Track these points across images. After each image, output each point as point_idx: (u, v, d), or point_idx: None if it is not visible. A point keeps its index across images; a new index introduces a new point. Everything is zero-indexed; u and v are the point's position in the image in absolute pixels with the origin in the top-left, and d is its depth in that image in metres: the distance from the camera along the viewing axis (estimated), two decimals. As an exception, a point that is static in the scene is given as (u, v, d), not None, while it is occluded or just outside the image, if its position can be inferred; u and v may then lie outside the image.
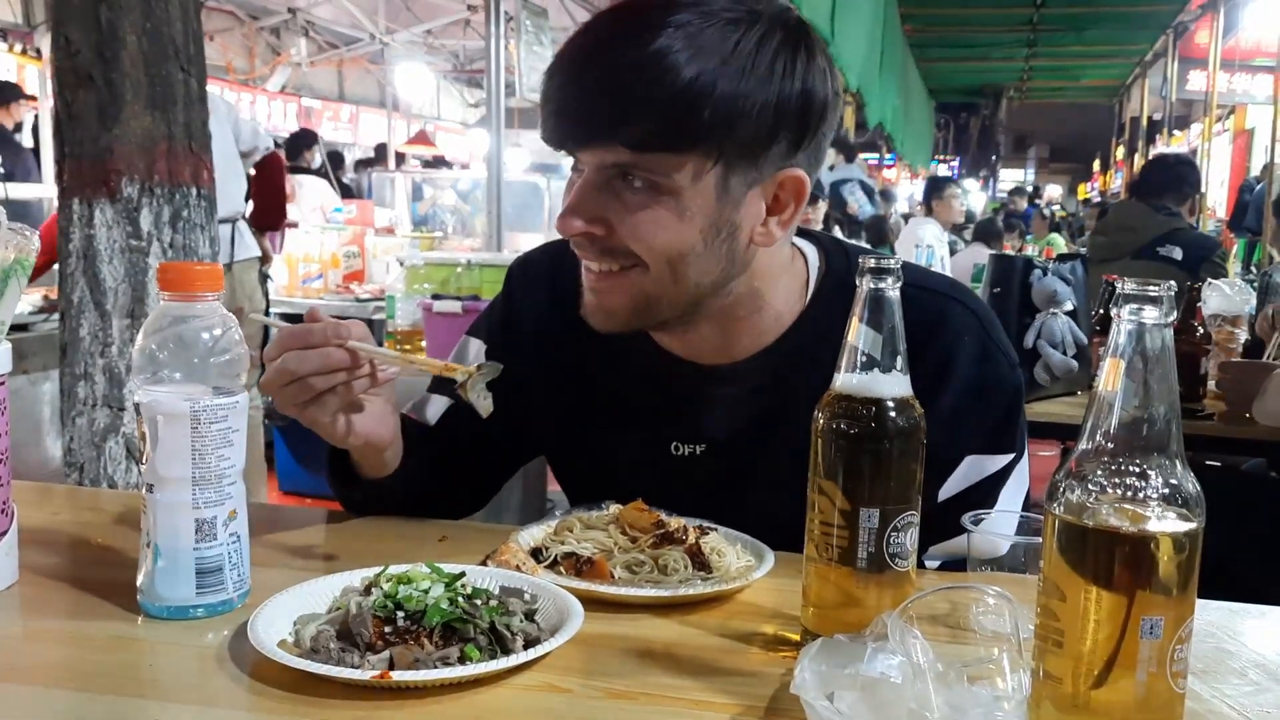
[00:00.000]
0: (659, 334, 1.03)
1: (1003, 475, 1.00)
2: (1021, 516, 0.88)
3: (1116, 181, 15.75)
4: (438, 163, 10.24)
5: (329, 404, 0.92)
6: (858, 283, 0.74)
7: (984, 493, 0.99)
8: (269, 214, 3.80)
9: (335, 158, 9.39)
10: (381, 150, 9.99)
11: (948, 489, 0.99)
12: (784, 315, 1.01)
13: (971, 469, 0.99)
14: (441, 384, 1.12)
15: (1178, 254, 3.51)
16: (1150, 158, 6.78)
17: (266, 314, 3.57)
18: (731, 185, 0.90)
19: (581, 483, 1.12)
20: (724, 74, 0.85)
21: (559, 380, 1.08)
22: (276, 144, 4.12)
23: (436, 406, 1.12)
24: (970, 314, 1.02)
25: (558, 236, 0.98)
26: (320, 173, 7.46)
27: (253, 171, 3.69)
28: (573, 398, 1.08)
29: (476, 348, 1.14)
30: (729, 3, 0.88)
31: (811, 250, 1.04)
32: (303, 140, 7.75)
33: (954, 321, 1.00)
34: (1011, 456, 1.01)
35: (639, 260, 0.91)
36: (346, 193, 7.82)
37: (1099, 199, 15.48)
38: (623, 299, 0.94)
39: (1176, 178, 3.72)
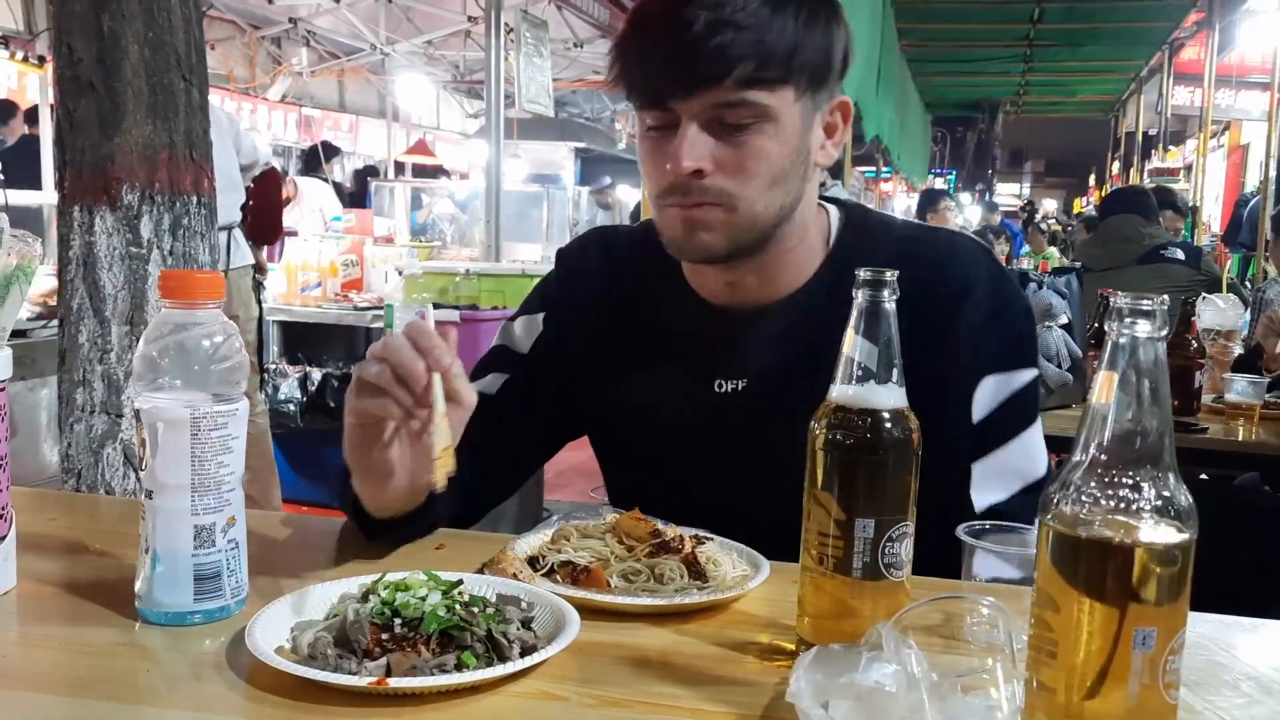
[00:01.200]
0: (705, 284, 1.11)
1: (1031, 392, 1.05)
2: (1018, 528, 0.88)
3: (1113, 196, 15.74)
4: (437, 172, 10.29)
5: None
6: (854, 295, 0.74)
7: (1019, 410, 1.04)
8: (265, 229, 3.87)
9: (371, 171, 9.60)
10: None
11: (979, 410, 1.04)
12: (814, 255, 1.10)
13: (998, 388, 1.04)
14: (497, 362, 1.19)
15: (1180, 255, 3.83)
16: (1111, 190, 7.34)
17: (260, 320, 3.63)
18: (811, 111, 1.02)
19: (627, 439, 1.17)
20: (798, 18, 0.97)
21: (612, 337, 1.15)
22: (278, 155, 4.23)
23: (493, 380, 1.18)
24: (978, 246, 1.11)
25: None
26: (336, 185, 7.61)
27: (250, 184, 3.78)
28: (623, 352, 1.15)
29: (528, 325, 1.19)
30: None
31: (832, 207, 1.15)
32: (325, 152, 8.00)
33: (965, 252, 1.08)
34: (1035, 372, 1.06)
35: (730, 200, 0.99)
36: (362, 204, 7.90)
37: (1090, 213, 15.57)
38: (717, 226, 1.01)
39: (1140, 203, 4.22)
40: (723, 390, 1.09)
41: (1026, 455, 1.05)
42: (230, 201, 3.47)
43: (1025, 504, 1.03)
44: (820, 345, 1.00)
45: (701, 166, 0.97)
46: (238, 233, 3.56)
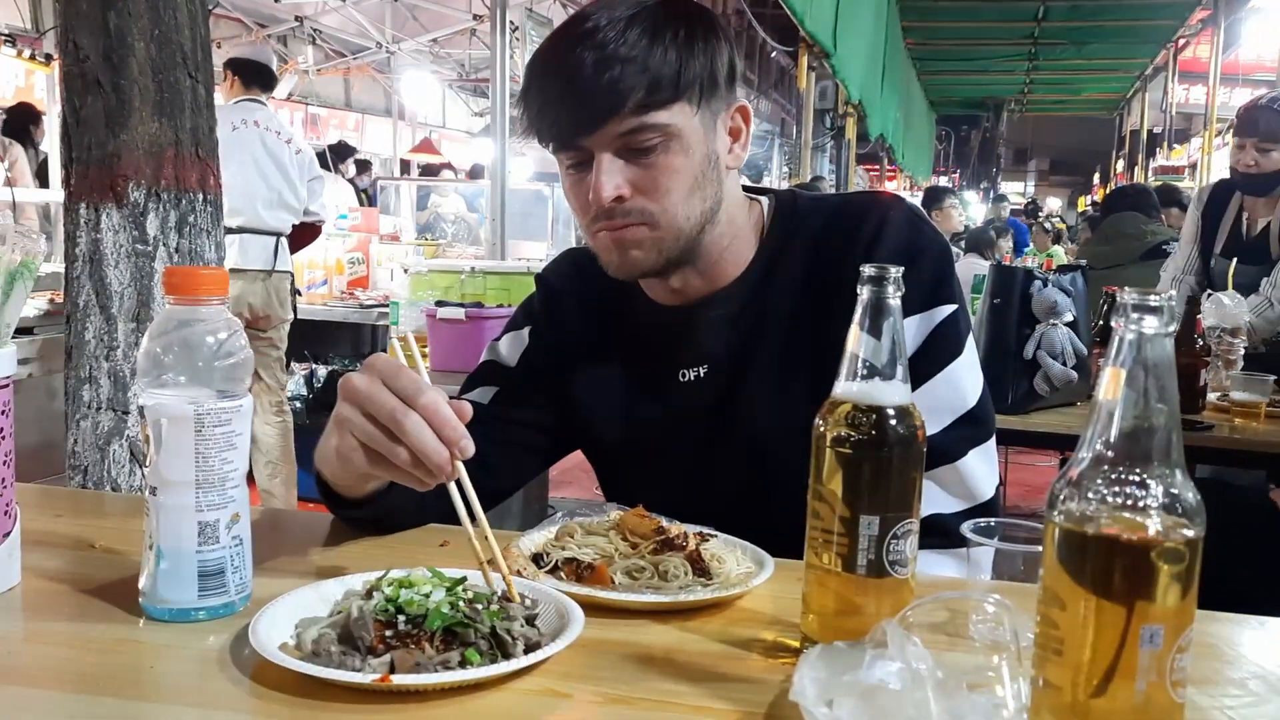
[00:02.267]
0: (655, 291, 1.18)
1: (952, 325, 1.09)
2: (1009, 523, 0.88)
3: (1119, 194, 15.69)
4: (441, 169, 10.29)
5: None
6: (859, 290, 0.74)
7: (941, 345, 1.08)
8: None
9: (363, 165, 9.69)
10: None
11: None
12: (750, 245, 1.17)
13: (919, 327, 1.08)
14: (486, 376, 1.25)
15: None
16: (1112, 189, 7.21)
17: (295, 320, 3.97)
18: (710, 120, 1.07)
19: (610, 438, 1.23)
20: (676, 40, 1.03)
21: (588, 345, 1.23)
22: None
23: (484, 393, 1.24)
24: (898, 199, 1.17)
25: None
26: (351, 183, 7.76)
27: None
28: (598, 357, 1.22)
29: (514, 340, 1.26)
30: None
31: (764, 198, 1.22)
32: (340, 152, 8.19)
33: (881, 204, 1.14)
34: (955, 306, 1.10)
35: (651, 217, 1.06)
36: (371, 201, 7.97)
37: (1093, 212, 15.50)
38: (645, 243, 1.07)
39: (1142, 201, 4.27)
40: (686, 379, 1.17)
41: (954, 388, 1.08)
42: (285, 217, 3.90)
43: (957, 436, 1.06)
44: (764, 325, 1.14)
45: (621, 194, 1.04)
46: (284, 241, 3.89)
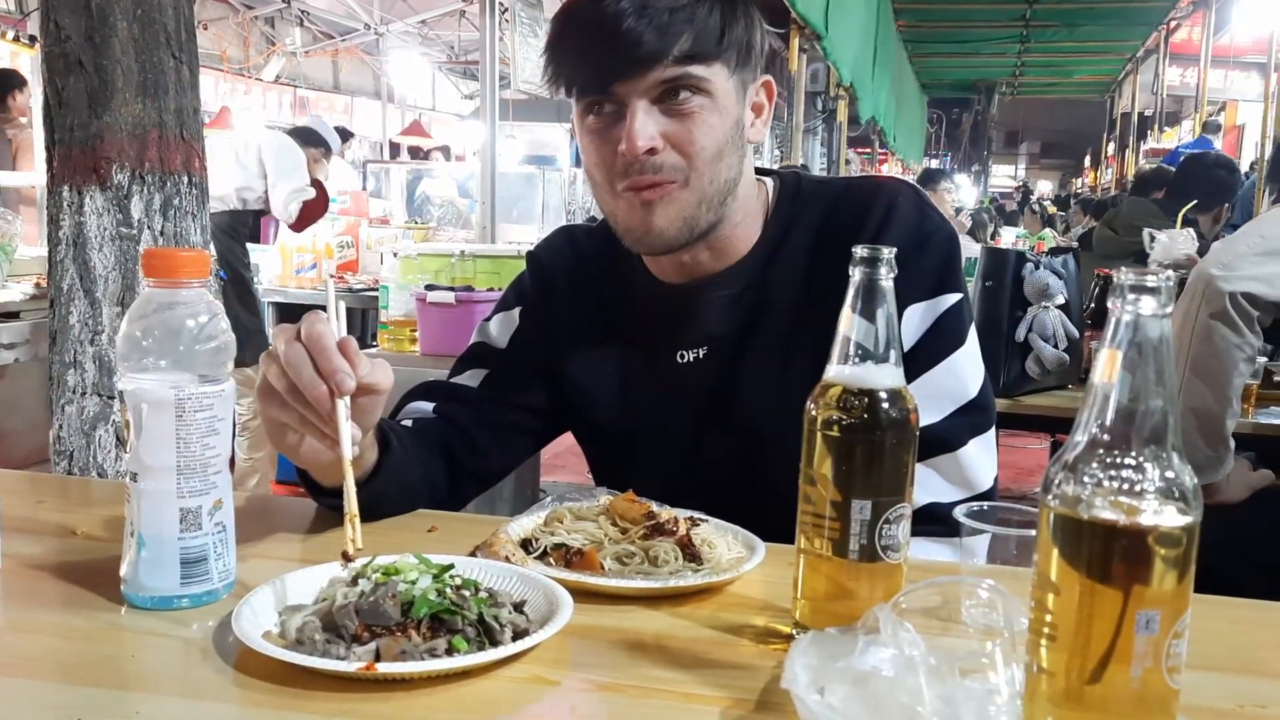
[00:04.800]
0: (661, 267, 1.16)
1: (956, 315, 1.08)
2: (1002, 507, 0.87)
3: (1106, 177, 15.78)
4: (429, 152, 10.24)
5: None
6: (850, 272, 0.73)
7: (945, 334, 1.07)
8: None
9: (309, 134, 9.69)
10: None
11: (908, 339, 1.06)
12: (756, 226, 1.16)
13: (924, 315, 1.07)
14: (476, 358, 1.23)
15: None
16: (1186, 157, 5.61)
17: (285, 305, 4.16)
18: (740, 89, 1.07)
19: (603, 420, 1.21)
20: (719, 1, 1.03)
21: (582, 326, 1.21)
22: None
23: (473, 375, 1.22)
24: (904, 184, 1.16)
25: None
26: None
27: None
28: (593, 338, 1.20)
29: (504, 321, 1.24)
30: None
31: (769, 179, 1.20)
32: (341, 136, 8.31)
33: (888, 190, 1.12)
34: (960, 295, 1.09)
35: (682, 174, 1.04)
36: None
37: (1084, 193, 15.46)
38: (674, 204, 1.05)
39: (1195, 184, 3.58)
40: (685, 360, 1.15)
41: (956, 377, 1.07)
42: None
43: (958, 424, 1.06)
44: (766, 307, 1.13)
45: (654, 145, 1.02)
46: None
